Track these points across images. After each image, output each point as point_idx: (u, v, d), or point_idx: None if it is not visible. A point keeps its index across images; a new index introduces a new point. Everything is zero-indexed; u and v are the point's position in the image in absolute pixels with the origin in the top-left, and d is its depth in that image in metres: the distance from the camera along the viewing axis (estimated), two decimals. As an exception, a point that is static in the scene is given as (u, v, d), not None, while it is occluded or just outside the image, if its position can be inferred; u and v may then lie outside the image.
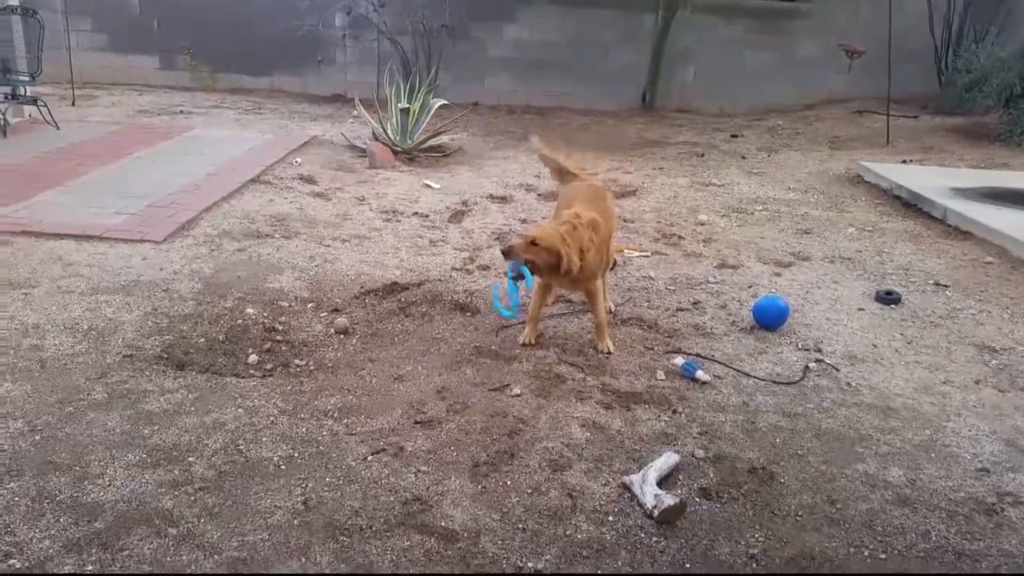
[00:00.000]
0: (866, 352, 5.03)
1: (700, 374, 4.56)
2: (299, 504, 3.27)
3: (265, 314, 5.17)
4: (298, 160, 9.19)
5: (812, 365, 4.81)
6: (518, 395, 4.28)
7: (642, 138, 12.26)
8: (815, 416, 4.25)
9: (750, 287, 6.05)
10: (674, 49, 14.32)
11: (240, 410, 3.96)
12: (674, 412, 4.21)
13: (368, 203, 7.81)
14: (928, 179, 9.08)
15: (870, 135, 12.42)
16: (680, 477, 3.64)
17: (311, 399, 4.12)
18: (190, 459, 3.54)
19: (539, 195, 8.44)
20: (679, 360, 4.65)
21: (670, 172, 9.90)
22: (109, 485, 3.34)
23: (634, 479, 3.49)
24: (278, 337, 4.88)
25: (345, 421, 3.91)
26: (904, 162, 10.51)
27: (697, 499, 3.49)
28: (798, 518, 3.41)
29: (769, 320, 5.30)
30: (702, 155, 11.07)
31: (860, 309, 5.70)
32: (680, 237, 7.24)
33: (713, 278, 6.21)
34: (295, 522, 3.17)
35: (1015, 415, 4.33)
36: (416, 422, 3.94)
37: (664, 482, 3.55)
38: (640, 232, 7.31)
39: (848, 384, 4.62)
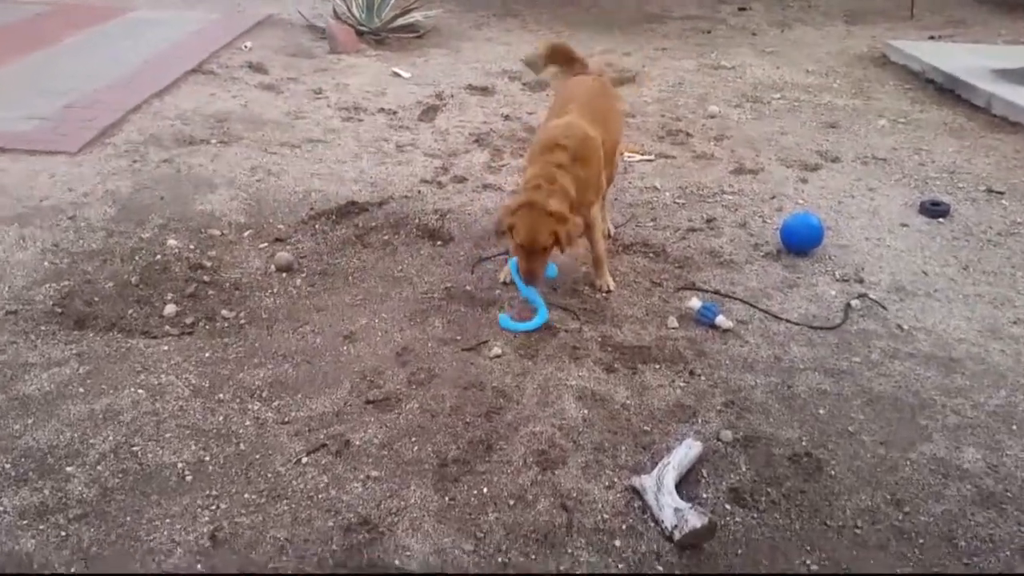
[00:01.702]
0: (916, 282, 4.19)
1: (721, 320, 3.72)
2: (205, 538, 2.47)
3: (191, 246, 4.25)
4: (248, 44, 8.00)
5: (855, 302, 3.97)
6: (498, 356, 3.44)
7: (641, 11, 10.95)
8: (864, 374, 3.44)
9: (773, 198, 5.13)
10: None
11: (142, 391, 3.11)
12: (691, 374, 3.39)
13: (326, 97, 6.72)
14: (964, 59, 7.99)
15: (891, 7, 11.13)
16: (704, 472, 2.85)
17: (236, 370, 3.27)
18: (68, 470, 2.71)
19: (524, 85, 7.34)
20: (695, 302, 3.79)
21: (674, 53, 8.74)
22: (-44, 512, 2.53)
23: (647, 482, 2.70)
24: (205, 277, 3.98)
25: (276, 403, 3.08)
26: (932, 38, 9.36)
27: (728, 506, 2.72)
28: (857, 531, 2.65)
29: (800, 243, 4.42)
30: (708, 32, 9.85)
31: (903, 225, 4.82)
32: (688, 134, 6.24)
33: (729, 187, 5.28)
34: (197, 566, 2.38)
35: (1106, 367, 3.54)
36: (368, 401, 3.11)
37: (684, 481, 2.77)
38: (642, 129, 6.30)
39: (899, 327, 3.80)
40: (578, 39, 8.98)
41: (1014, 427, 3.15)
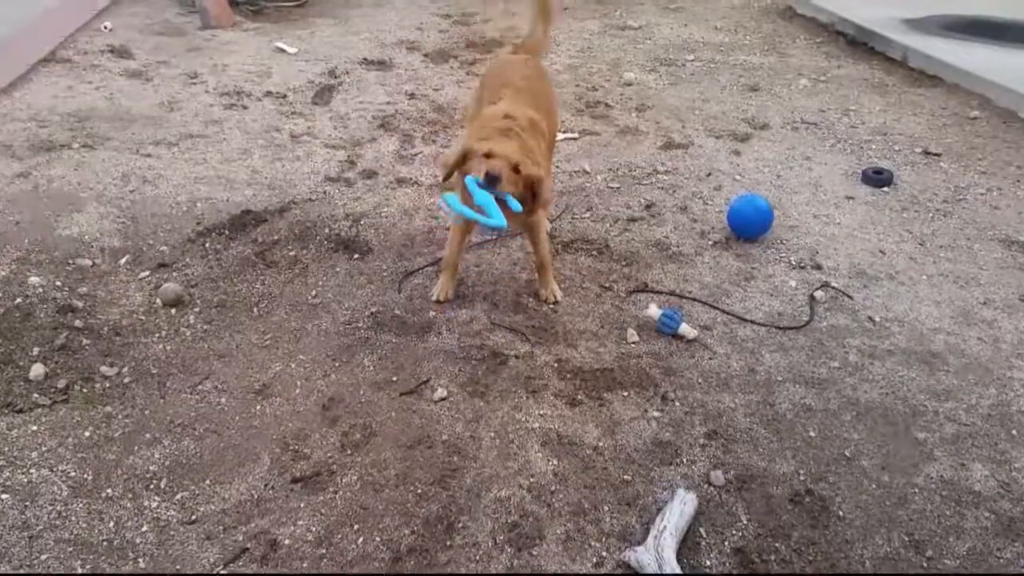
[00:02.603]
0: (876, 264, 3.91)
1: (684, 328, 3.33)
2: None
3: (58, 283, 3.54)
4: (108, 25, 7.03)
5: (818, 294, 3.66)
6: (443, 399, 2.94)
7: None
8: (846, 381, 3.13)
9: (709, 175, 4.77)
10: None
11: (6, 495, 2.47)
12: (664, 399, 2.99)
13: (203, 81, 5.93)
14: (872, 9, 7.82)
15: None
16: (702, 530, 2.46)
17: (124, 452, 2.66)
18: (-94, 628, 2.08)
19: (425, 56, 6.72)
20: (654, 310, 3.38)
21: (576, 13, 8.25)
22: None
23: (643, 558, 2.28)
24: (77, 322, 3.31)
25: (179, 495, 2.49)
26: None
27: (736, 572, 2.34)
28: (882, 586, 2.32)
29: (750, 229, 4.08)
30: (608, -12, 9.38)
31: (849, 197, 4.54)
32: (608, 105, 5.81)
33: (662, 165, 4.88)
34: None
35: (1085, 349, 3.34)
36: (295, 479, 2.57)
37: (682, 545, 2.37)
38: (559, 101, 5.80)
39: (870, 319, 3.51)
40: (472, 1, 8.38)
41: (1014, 432, 2.90)
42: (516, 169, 2.92)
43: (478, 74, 5.66)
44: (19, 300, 3.41)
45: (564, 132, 5.27)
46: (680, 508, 2.44)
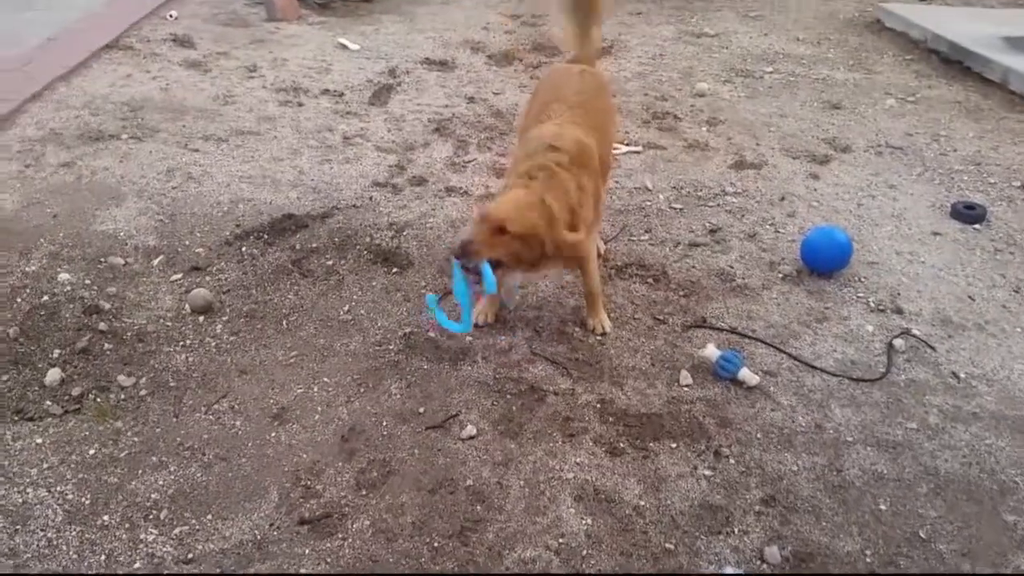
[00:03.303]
0: (963, 311, 3.53)
1: (745, 374, 3.02)
2: None
3: (87, 281, 3.42)
4: (174, 13, 6.98)
5: (897, 342, 3.30)
6: (472, 437, 2.70)
7: (610, -29, 10.05)
8: (924, 447, 2.78)
9: (783, 199, 4.42)
10: None
11: (-4, 517, 2.32)
12: (717, 455, 2.69)
13: (261, 75, 5.81)
14: (967, 25, 7.29)
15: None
16: (750, 617, 2.16)
17: (127, 475, 2.49)
18: None
19: (489, 57, 6.49)
20: (711, 350, 3.08)
21: (650, 18, 7.92)
22: None
23: (681, 648, 2.00)
24: (102, 325, 3.17)
25: (178, 530, 2.31)
26: (923, 1, 8.65)
27: (786, 672, 2.04)
28: None
29: (826, 264, 3.73)
30: (686, -7, 9.02)
31: (935, 233, 4.14)
32: (677, 117, 5.48)
33: (731, 185, 4.55)
34: None
35: None
36: (302, 521, 2.36)
37: (726, 634, 2.08)
38: (625, 111, 5.52)
39: (954, 375, 3.14)
40: (542, 1, 8.11)
41: (1121, 523, 2.51)
42: (502, 229, 2.69)
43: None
44: (46, 298, 3.29)
45: (627, 145, 4.99)
46: (727, 591, 2.15)
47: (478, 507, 2.44)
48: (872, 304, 3.55)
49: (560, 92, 3.21)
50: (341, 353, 3.08)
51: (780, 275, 3.73)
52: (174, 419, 2.72)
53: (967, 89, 6.17)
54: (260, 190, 4.21)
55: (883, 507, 2.54)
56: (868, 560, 2.35)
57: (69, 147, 4.51)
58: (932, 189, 4.60)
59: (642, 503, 2.49)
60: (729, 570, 2.22)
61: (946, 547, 2.41)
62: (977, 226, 4.22)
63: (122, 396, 2.83)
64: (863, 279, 3.73)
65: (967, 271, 3.83)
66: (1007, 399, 3.02)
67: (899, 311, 3.51)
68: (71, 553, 2.21)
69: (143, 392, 2.85)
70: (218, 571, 2.18)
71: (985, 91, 6.10)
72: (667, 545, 2.36)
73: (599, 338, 3.24)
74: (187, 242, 3.74)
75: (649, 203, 4.34)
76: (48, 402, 2.79)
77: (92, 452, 2.56)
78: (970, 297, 3.63)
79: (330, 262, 3.64)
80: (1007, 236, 4.13)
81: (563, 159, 2.84)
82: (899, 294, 3.63)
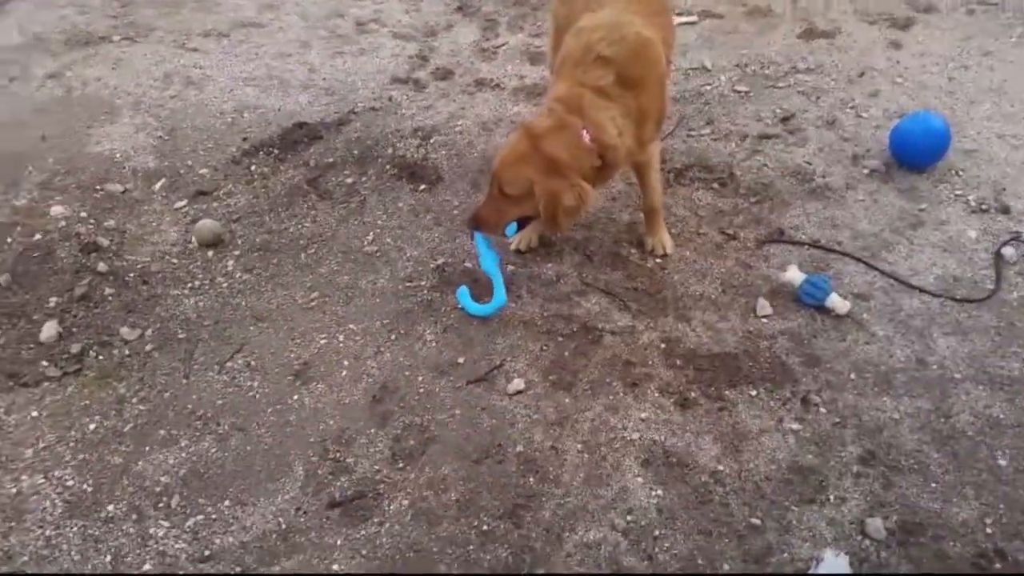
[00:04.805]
0: (1085, 206, 3.02)
1: (834, 300, 2.59)
2: None
3: (83, 214, 3.07)
4: None
5: (1007, 251, 2.83)
6: (520, 392, 2.36)
7: None
8: (1049, 384, 2.37)
9: (862, 75, 3.83)
10: None
11: (-14, 517, 2.06)
12: (805, 403, 2.33)
13: (263, -47, 5.18)
14: None
15: None
16: (855, 611, 1.85)
17: (134, 453, 2.21)
18: None
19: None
20: (794, 273, 2.65)
21: None
22: None
23: (778, 661, 1.70)
24: (101, 265, 2.84)
25: (192, 520, 2.03)
26: None
27: None
28: None
29: (920, 157, 3.21)
30: None
31: (1046, 109, 3.56)
32: (734, -22, 4.78)
33: (802, 60, 3.96)
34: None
35: None
36: (332, 504, 2.06)
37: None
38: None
39: (1080, 289, 2.68)
40: None
41: None
42: (501, 191, 2.39)
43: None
44: (38, 236, 2.95)
45: (679, 15, 4.36)
46: (828, 584, 1.82)
47: (531, 479, 2.12)
48: (973, 203, 3.06)
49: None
50: (367, 292, 2.72)
51: (866, 171, 3.23)
52: (184, 380, 2.41)
53: (1072, -75, 5.30)
54: (267, 94, 3.75)
55: (1002, 462, 2.17)
56: (988, 531, 2.01)
57: (56, 54, 4.05)
58: (1037, 53, 3.96)
59: (720, 467, 2.15)
60: (823, 569, 1.89)
61: (1083, 513, 2.05)
62: (1094, 98, 3.62)
63: (126, 352, 2.53)
64: (960, 172, 3.21)
65: (1085, 156, 3.29)
66: None
67: (1005, 210, 3.02)
68: (73, 553, 1.96)
69: (149, 347, 2.54)
70: (238, 570, 1.91)
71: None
72: (753, 520, 2.03)
73: (659, 261, 2.82)
74: (190, 162, 3.33)
75: (709, 87, 3.79)
76: (44, 362, 2.50)
77: (93, 427, 2.27)
78: (1091, 189, 3.11)
79: (350, 180, 3.22)
80: None
81: (607, 79, 2.34)
82: (1004, 189, 3.12)
